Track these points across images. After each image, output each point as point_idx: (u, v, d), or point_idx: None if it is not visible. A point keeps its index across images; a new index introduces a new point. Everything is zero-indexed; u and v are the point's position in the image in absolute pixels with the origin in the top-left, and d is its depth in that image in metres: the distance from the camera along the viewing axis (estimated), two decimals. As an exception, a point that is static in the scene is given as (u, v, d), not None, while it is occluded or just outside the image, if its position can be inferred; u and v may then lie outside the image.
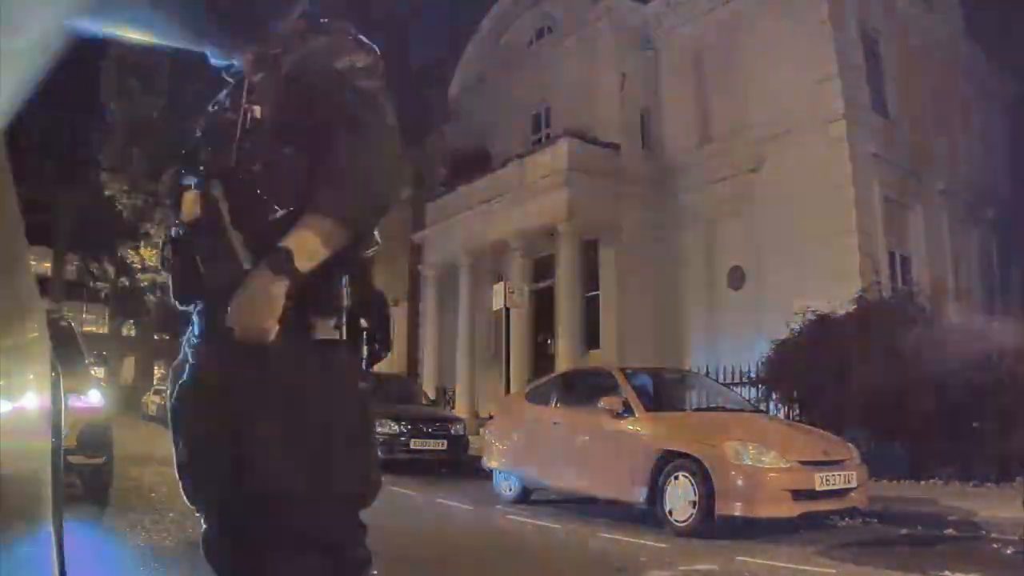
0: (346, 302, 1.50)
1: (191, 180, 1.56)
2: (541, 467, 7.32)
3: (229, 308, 1.41)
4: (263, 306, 1.38)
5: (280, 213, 1.47)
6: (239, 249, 1.47)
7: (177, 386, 1.58)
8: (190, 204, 1.54)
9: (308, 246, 1.41)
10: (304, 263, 1.40)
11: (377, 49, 1.59)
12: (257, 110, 1.53)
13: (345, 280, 1.51)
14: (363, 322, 1.54)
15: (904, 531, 6.04)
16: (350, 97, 1.49)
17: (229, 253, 1.47)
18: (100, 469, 5.94)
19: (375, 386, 1.66)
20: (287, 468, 1.40)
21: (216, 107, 1.65)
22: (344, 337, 1.49)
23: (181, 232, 1.56)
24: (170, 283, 1.60)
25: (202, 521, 1.57)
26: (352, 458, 1.47)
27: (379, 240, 1.61)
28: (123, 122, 21.51)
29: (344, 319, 1.49)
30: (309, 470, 1.41)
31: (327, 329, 1.48)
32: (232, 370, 1.46)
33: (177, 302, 1.61)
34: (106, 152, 23.14)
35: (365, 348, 1.56)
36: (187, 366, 1.58)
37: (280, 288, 1.38)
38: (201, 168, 1.55)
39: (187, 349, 1.61)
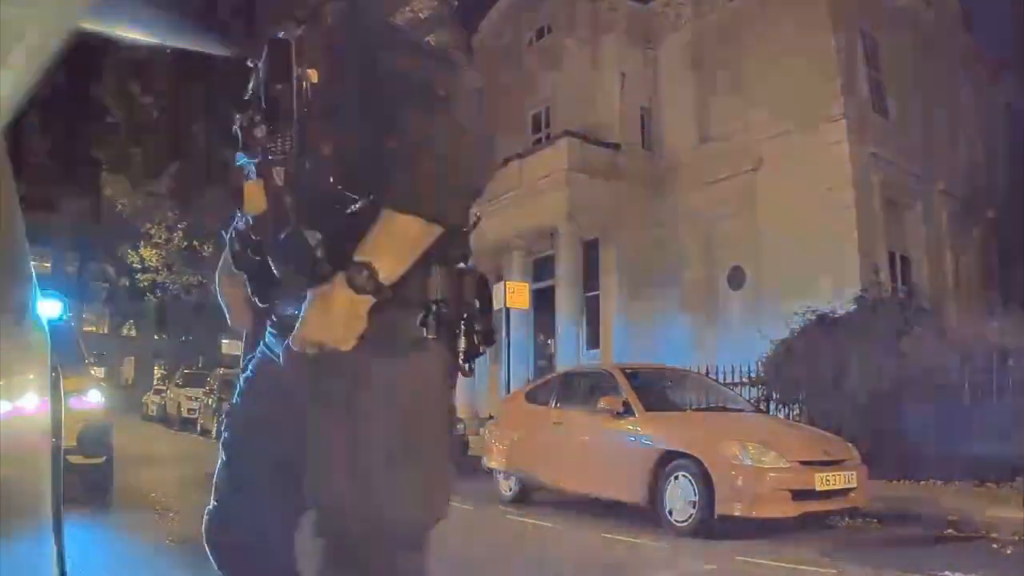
0: (437, 293, 1.26)
1: (249, 165, 1.34)
2: (541, 467, 7.32)
3: (297, 326, 1.22)
4: (339, 328, 1.19)
5: (359, 204, 1.23)
6: (316, 249, 1.25)
7: (241, 380, 1.48)
8: (253, 196, 1.32)
9: (393, 253, 1.18)
10: (390, 274, 1.18)
11: None
12: (312, 75, 1.26)
13: (435, 268, 1.27)
14: (463, 312, 1.31)
15: (904, 531, 6.04)
16: (419, 62, 1.21)
17: (305, 254, 1.25)
18: (100, 469, 5.93)
19: None
20: (344, 491, 1.23)
21: (261, 72, 1.34)
22: (433, 334, 1.25)
23: (246, 226, 1.35)
24: (245, 282, 1.42)
25: (212, 499, 1.46)
26: (419, 483, 1.25)
27: (478, 215, 1.36)
28: (123, 122, 21.52)
29: (434, 312, 1.26)
30: (369, 497, 1.22)
31: (413, 327, 1.24)
32: (294, 375, 1.32)
33: (257, 301, 1.45)
34: (106, 152, 23.15)
35: (463, 341, 1.31)
36: (254, 362, 1.46)
37: (362, 308, 1.18)
38: (260, 151, 1.31)
39: (262, 345, 1.45)
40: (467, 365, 1.33)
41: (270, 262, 1.33)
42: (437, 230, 1.20)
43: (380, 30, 1.25)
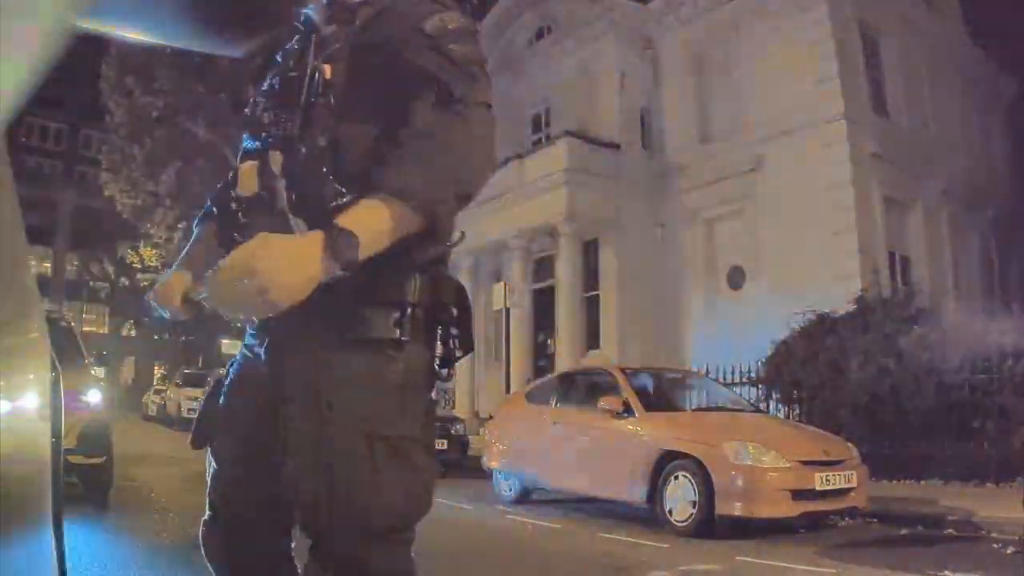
0: (414, 295, 1.27)
1: (252, 147, 1.36)
2: (541, 467, 7.32)
3: (233, 252, 1.12)
4: (293, 269, 1.08)
5: (347, 199, 1.22)
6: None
7: (226, 381, 1.47)
8: (247, 176, 1.34)
9: (369, 227, 1.13)
10: (360, 248, 1.13)
11: (469, 10, 1.37)
12: (327, 70, 1.30)
13: (413, 272, 1.28)
14: (440, 317, 1.32)
15: (904, 531, 6.04)
16: (440, 64, 1.24)
17: None
18: (100, 469, 5.93)
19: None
20: (320, 487, 1.23)
21: (282, 62, 1.39)
22: (407, 335, 1.26)
23: (237, 207, 1.36)
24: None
25: (207, 509, 1.46)
26: (396, 478, 1.26)
27: (463, 232, 1.35)
28: (123, 122, 21.50)
29: (409, 314, 1.26)
30: (344, 492, 1.22)
31: (387, 326, 1.25)
32: (274, 369, 1.32)
33: None
34: (106, 152, 23.14)
35: (440, 346, 1.34)
36: (234, 364, 1.45)
37: (326, 269, 1.10)
38: (263, 135, 1.34)
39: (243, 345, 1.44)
40: (444, 369, 1.35)
41: None
42: (417, 222, 1.16)
43: (405, 33, 1.27)
